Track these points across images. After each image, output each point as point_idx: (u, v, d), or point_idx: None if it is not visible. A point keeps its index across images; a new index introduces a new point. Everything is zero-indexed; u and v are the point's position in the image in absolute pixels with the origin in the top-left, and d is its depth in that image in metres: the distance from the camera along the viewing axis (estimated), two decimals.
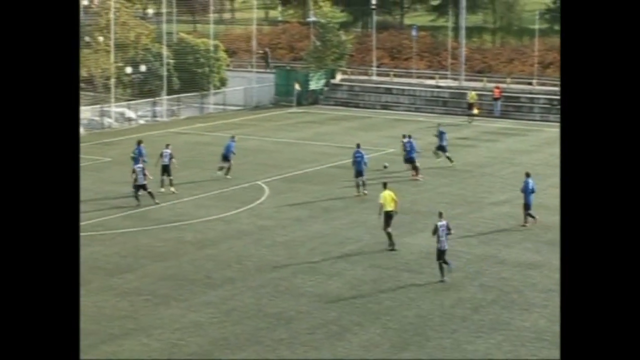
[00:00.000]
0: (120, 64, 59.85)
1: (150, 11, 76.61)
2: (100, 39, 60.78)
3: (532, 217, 34.30)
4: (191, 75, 63.45)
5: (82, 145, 50.31)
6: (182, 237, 32.60)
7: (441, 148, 45.69)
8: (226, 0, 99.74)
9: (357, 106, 66.89)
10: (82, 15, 79.52)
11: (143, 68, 60.52)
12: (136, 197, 37.06)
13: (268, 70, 71.62)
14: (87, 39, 62.98)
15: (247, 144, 49.51)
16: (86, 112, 58.76)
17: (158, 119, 61.23)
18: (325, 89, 69.47)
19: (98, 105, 58.80)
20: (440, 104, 65.34)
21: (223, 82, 66.50)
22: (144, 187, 37.16)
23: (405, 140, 43.75)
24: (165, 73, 61.50)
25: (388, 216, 31.12)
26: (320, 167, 43.79)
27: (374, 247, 31.47)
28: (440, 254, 28.06)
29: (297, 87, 66.68)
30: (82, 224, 34.06)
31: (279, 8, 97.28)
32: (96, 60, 59.27)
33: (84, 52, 59.67)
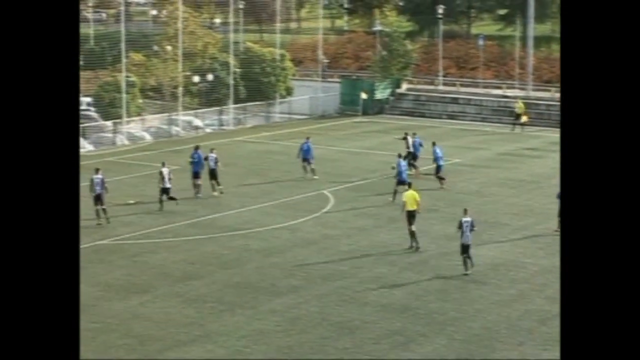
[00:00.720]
0: (187, 73, 60.59)
1: (218, 21, 77.23)
2: (169, 48, 61.63)
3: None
4: (257, 84, 63.97)
5: (149, 153, 51.14)
6: (248, 244, 32.81)
7: (414, 157, 45.20)
8: (293, 10, 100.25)
9: (422, 116, 66.69)
10: (150, 24, 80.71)
11: (210, 77, 61.19)
12: (160, 201, 37.84)
13: (330, 80, 71.80)
14: (155, 48, 63.94)
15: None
16: (154, 121, 59.57)
17: (224, 127, 61.75)
18: (391, 98, 69.40)
19: (166, 114, 59.50)
20: (507, 114, 64.75)
21: (289, 91, 66.91)
22: (167, 191, 37.86)
23: (411, 140, 45.29)
24: (232, 82, 62.05)
25: (411, 215, 32.13)
26: (385, 177, 43.62)
27: (439, 257, 31.32)
28: (464, 249, 29.14)
29: (362, 96, 66.72)
30: (148, 230, 34.56)
31: (345, 17, 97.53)
32: (164, 69, 60.09)
33: (152, 61, 60.58)
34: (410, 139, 45.68)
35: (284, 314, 25.73)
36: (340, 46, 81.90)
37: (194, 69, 61.48)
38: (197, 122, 60.48)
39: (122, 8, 60.95)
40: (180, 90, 59.50)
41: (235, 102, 62.58)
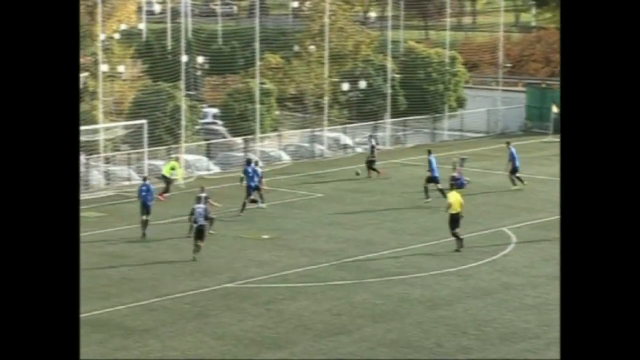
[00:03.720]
0: (335, 79, 61.18)
1: (373, 15, 78.07)
2: (312, 48, 62.47)
3: None
4: (421, 94, 64.15)
5: (288, 177, 52.00)
6: (408, 293, 32.95)
7: (515, 170, 49.39)
8: (466, 2, 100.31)
9: None
10: (290, 20, 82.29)
11: (363, 84, 61.64)
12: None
13: (512, 89, 71.46)
14: (296, 48, 64.97)
15: (489, 179, 49.49)
16: (293, 137, 60.38)
17: (380, 146, 61.99)
18: None
19: (308, 129, 60.22)
20: None
21: (461, 103, 66.86)
22: (204, 226, 36.69)
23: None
24: (389, 91, 62.44)
25: (455, 218, 37.46)
26: None
27: None
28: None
29: (554, 110, 66.10)
30: (286, 273, 35.10)
31: (533, 11, 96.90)
32: (307, 74, 60.82)
33: (292, 64, 61.54)
34: (373, 141, 52.62)
35: None
36: (526, 46, 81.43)
37: (343, 74, 62.15)
38: (346, 139, 61.02)
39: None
40: (325, 100, 60.22)
41: (394, 116, 62.90)
